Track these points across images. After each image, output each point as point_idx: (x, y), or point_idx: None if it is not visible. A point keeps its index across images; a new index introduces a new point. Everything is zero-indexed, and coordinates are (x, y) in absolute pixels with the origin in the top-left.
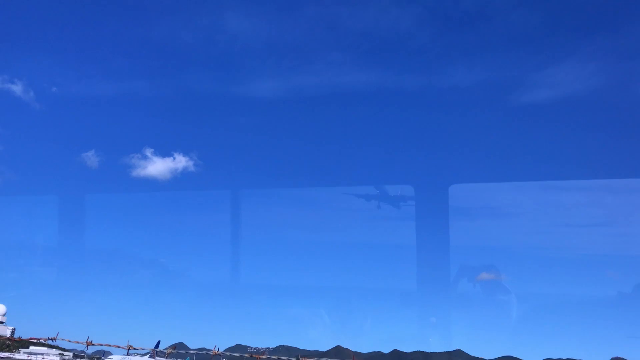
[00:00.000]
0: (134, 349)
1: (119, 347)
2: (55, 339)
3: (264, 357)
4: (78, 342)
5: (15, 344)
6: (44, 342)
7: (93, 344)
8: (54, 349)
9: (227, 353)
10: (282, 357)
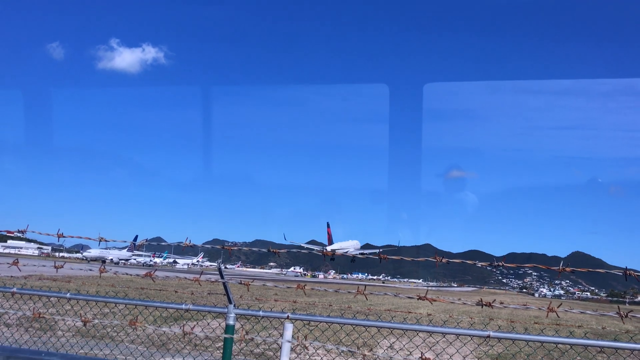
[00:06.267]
0: (105, 240)
1: (90, 238)
2: (24, 232)
3: (235, 248)
4: (49, 234)
5: None
6: (17, 234)
7: (64, 236)
8: (32, 243)
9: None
10: (254, 249)
